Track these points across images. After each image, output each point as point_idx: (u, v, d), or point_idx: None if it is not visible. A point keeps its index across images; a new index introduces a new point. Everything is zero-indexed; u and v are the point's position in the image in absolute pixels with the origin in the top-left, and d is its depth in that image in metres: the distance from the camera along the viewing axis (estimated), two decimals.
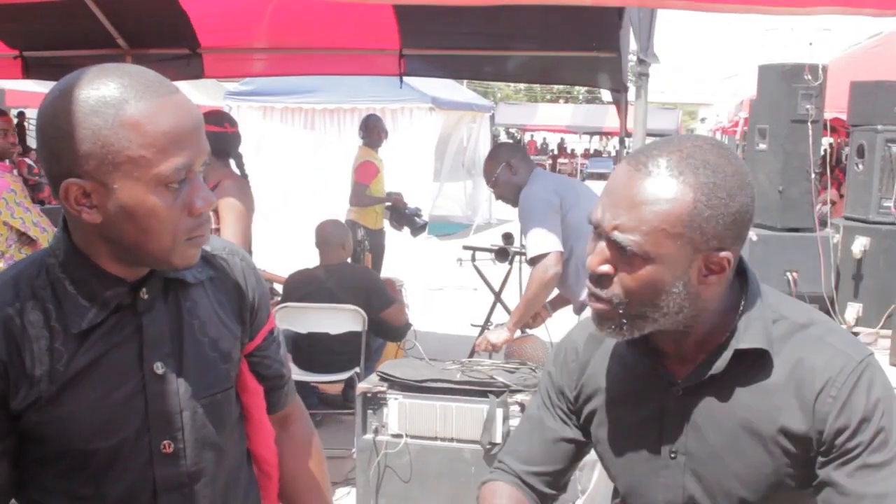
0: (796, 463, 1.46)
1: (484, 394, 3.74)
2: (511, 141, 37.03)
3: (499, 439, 3.73)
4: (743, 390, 1.49)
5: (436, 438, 3.81)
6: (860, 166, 9.01)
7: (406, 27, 5.95)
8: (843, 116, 9.85)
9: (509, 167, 4.50)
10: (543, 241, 4.21)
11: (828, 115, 9.15)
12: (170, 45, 6.30)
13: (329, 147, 14.47)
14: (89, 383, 1.45)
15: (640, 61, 3.39)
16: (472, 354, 5.23)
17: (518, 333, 4.62)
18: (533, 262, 4.28)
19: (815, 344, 1.47)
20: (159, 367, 1.50)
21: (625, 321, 1.46)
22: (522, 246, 5.95)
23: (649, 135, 4.70)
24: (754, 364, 1.48)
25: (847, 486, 1.41)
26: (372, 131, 8.21)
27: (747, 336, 1.47)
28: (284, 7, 5.67)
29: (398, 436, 3.83)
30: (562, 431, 1.75)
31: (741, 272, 1.55)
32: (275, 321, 1.80)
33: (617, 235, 1.41)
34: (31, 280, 1.46)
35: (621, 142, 6.08)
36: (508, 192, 4.55)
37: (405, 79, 6.78)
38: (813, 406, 1.43)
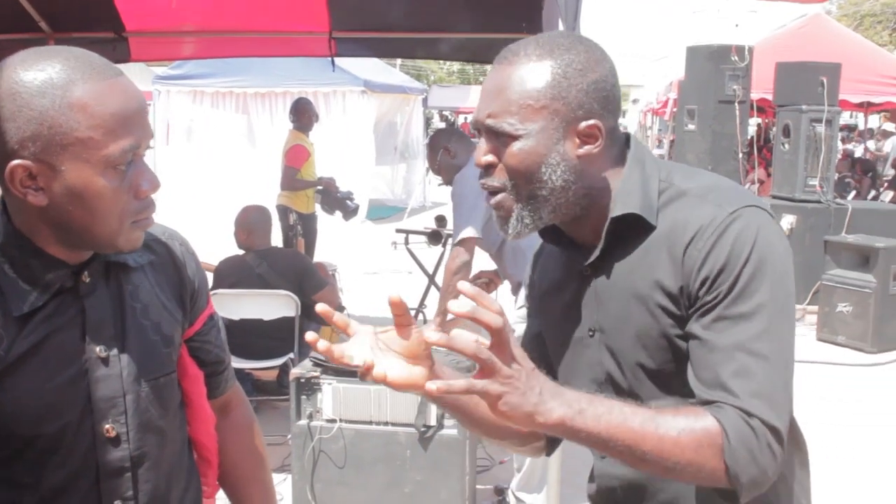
0: (676, 320, 1.49)
1: None
2: (445, 125, 37.00)
3: (433, 421, 3.74)
4: (630, 258, 1.54)
5: (370, 422, 3.80)
6: (786, 146, 9.18)
7: (336, 8, 5.89)
8: (770, 97, 10.02)
9: (448, 152, 4.57)
10: (464, 228, 4.28)
11: (755, 96, 9.31)
12: (94, 28, 6.15)
13: (261, 131, 14.32)
14: (31, 367, 1.43)
15: None
16: None
17: (450, 317, 4.64)
18: (453, 247, 4.39)
19: (693, 202, 1.50)
20: (102, 351, 1.49)
21: (520, 206, 1.53)
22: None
23: None
24: (636, 233, 1.53)
25: (703, 336, 1.43)
26: (302, 115, 8.15)
27: (620, 205, 1.53)
28: None
29: (332, 421, 3.82)
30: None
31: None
32: (213, 307, 1.80)
33: (490, 122, 1.52)
34: None
35: None
36: (452, 176, 4.60)
37: (337, 61, 6.72)
38: (682, 261, 1.46)
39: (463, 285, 1.25)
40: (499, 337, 1.24)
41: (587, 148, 1.51)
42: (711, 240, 1.43)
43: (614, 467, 1.64)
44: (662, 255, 1.49)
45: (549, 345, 1.75)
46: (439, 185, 4.89)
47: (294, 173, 7.92)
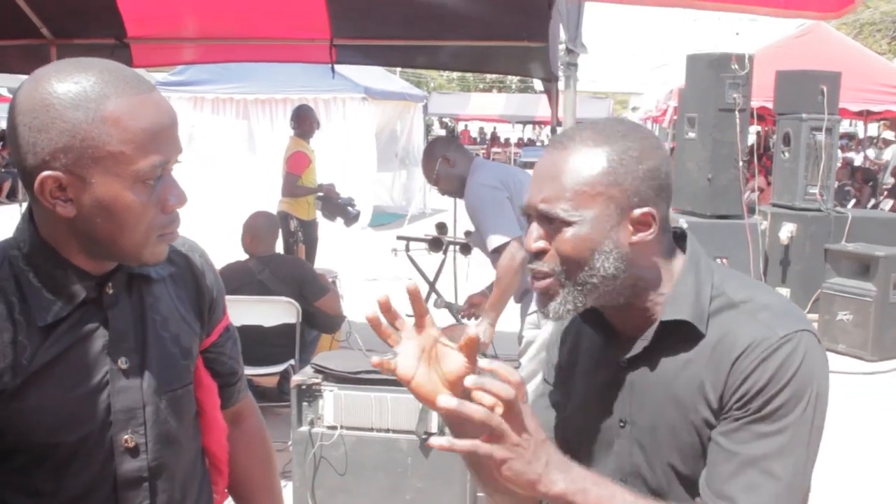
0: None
1: None
2: (445, 132, 36.95)
3: (434, 429, 3.73)
4: (671, 362, 1.52)
5: (371, 429, 3.80)
6: (786, 154, 9.18)
7: (337, 16, 5.91)
8: (770, 105, 10.01)
9: (447, 161, 4.48)
10: (502, 230, 4.17)
11: (755, 104, 9.30)
12: (96, 34, 6.17)
13: (261, 137, 14.33)
14: (54, 377, 1.44)
15: (569, 51, 3.41)
16: None
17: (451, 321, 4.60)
18: (496, 251, 4.21)
19: (745, 319, 1.48)
20: (123, 363, 1.50)
21: (566, 291, 1.51)
22: (466, 234, 5.96)
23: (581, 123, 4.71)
24: (684, 337, 1.51)
25: (722, 443, 1.43)
26: (303, 121, 8.16)
27: (672, 308, 1.51)
28: None
29: (333, 427, 3.82)
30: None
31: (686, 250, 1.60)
32: (230, 318, 1.81)
33: (543, 207, 1.49)
34: None
35: (553, 131, 6.11)
36: (452, 185, 4.53)
37: (337, 68, 6.75)
38: (726, 377, 1.45)
39: (482, 361, 1.30)
40: (510, 407, 1.27)
41: (640, 235, 1.50)
42: (757, 361, 1.42)
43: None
44: (708, 368, 1.48)
45: (569, 424, 1.73)
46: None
47: (295, 180, 7.92)
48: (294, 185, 7.92)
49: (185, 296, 1.65)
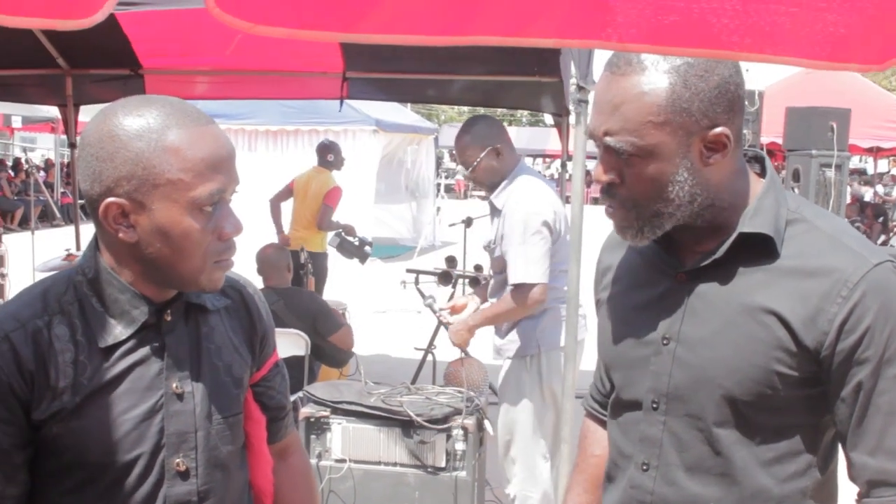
0: (788, 357, 1.41)
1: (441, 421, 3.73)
2: (455, 165, 36.91)
3: (442, 463, 3.72)
4: (746, 276, 1.46)
5: (379, 463, 3.79)
6: (796, 191, 9.17)
7: (350, 50, 5.97)
8: (780, 141, 10.03)
9: (496, 153, 4.06)
10: (533, 269, 3.86)
11: (764, 140, 9.32)
12: (111, 65, 6.23)
13: (271, 169, 14.37)
14: (111, 398, 1.50)
15: (580, 88, 3.42)
16: (415, 380, 5.20)
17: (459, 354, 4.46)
18: (517, 288, 3.90)
19: (829, 241, 1.43)
20: (178, 387, 1.56)
21: (642, 223, 1.47)
22: (476, 267, 5.94)
23: (591, 158, 4.73)
24: (761, 252, 1.45)
25: (857, 397, 1.38)
26: (338, 155, 8.36)
27: (754, 221, 1.45)
28: (227, 29, 5.64)
29: (342, 461, 3.81)
30: None
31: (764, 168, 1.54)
32: (279, 354, 1.86)
33: (609, 140, 1.43)
34: (59, 296, 1.52)
35: (563, 165, 6.13)
36: (489, 178, 4.12)
37: (349, 101, 6.79)
38: (819, 304, 1.38)
39: None
40: None
41: (715, 157, 1.43)
42: (858, 291, 1.37)
43: (655, 484, 1.58)
44: (792, 288, 1.41)
45: (607, 345, 1.68)
46: (450, 225, 4.84)
47: (331, 213, 8.03)
48: (330, 218, 8.01)
49: (238, 328, 1.70)
